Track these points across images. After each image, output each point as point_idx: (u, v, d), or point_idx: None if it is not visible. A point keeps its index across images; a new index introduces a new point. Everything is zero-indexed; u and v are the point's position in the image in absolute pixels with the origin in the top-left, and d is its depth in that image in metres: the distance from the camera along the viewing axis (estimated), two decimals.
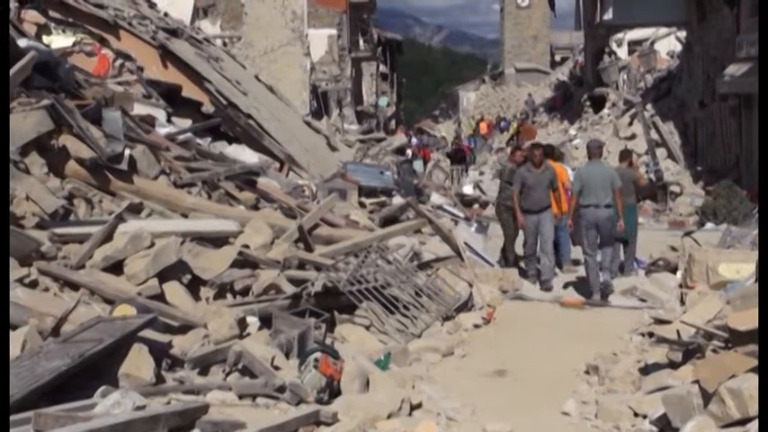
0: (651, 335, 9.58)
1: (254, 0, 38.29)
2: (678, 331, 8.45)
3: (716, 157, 28.13)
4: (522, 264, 14.44)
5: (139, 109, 15.33)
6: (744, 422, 5.72)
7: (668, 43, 39.87)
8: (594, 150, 13.75)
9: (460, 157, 39.13)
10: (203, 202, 11.92)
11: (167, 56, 19.09)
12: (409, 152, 33.77)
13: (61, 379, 6.45)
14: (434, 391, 8.07)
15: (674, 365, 8.07)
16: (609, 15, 41.46)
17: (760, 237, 7.89)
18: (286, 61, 37.76)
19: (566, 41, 75.55)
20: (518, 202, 13.63)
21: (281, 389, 7.22)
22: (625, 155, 15.70)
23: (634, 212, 14.85)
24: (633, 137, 32.35)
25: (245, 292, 9.76)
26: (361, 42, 57.54)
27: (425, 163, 36.30)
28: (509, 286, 12.82)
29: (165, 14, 24.33)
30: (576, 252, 14.20)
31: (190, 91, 18.85)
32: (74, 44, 17.47)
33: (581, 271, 13.59)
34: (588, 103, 43.35)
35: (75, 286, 8.67)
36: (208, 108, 18.75)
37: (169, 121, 16.46)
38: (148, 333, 7.76)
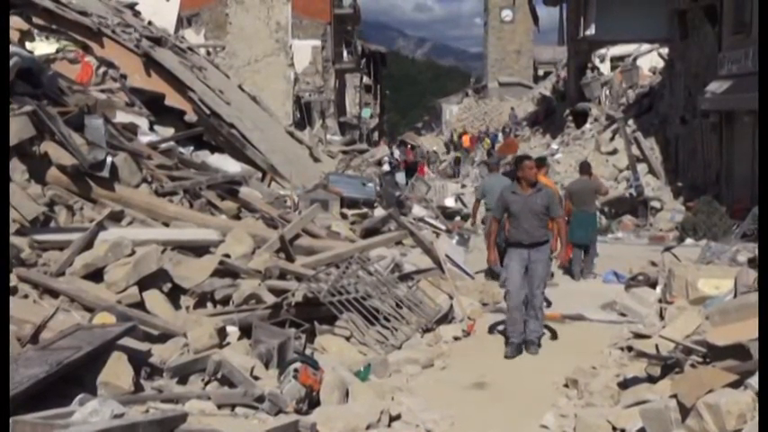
0: (630, 349, 9.59)
1: (239, 10, 38.30)
2: (657, 346, 8.49)
3: (696, 173, 28.26)
4: (504, 323, 10.70)
5: (122, 117, 15.29)
6: None
7: (650, 59, 40.06)
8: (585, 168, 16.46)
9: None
10: (185, 210, 11.89)
11: (151, 64, 19.06)
12: (386, 166, 33.71)
13: (39, 386, 6.42)
14: (414, 403, 8.06)
15: (652, 380, 8.09)
16: (592, 31, 41.69)
17: (760, 239, 7.93)
18: (270, 72, 37.76)
19: (549, 56, 75.82)
20: (495, 234, 10.77)
21: (261, 399, 7.21)
22: (585, 167, 16.97)
23: (595, 219, 16.64)
24: (615, 152, 32.47)
25: (226, 301, 9.75)
26: (345, 54, 57.69)
27: (409, 175, 36.28)
28: (489, 299, 12.83)
29: (149, 23, 24.29)
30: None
31: (173, 100, 18.82)
32: (57, 51, 17.40)
33: (560, 284, 13.63)
34: (570, 117, 43.49)
35: (54, 293, 8.64)
36: (191, 117, 18.72)
37: (152, 129, 16.42)
38: (128, 341, 7.74)
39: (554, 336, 10.83)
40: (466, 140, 57.22)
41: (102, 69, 18.05)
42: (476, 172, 43.52)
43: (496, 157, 22.49)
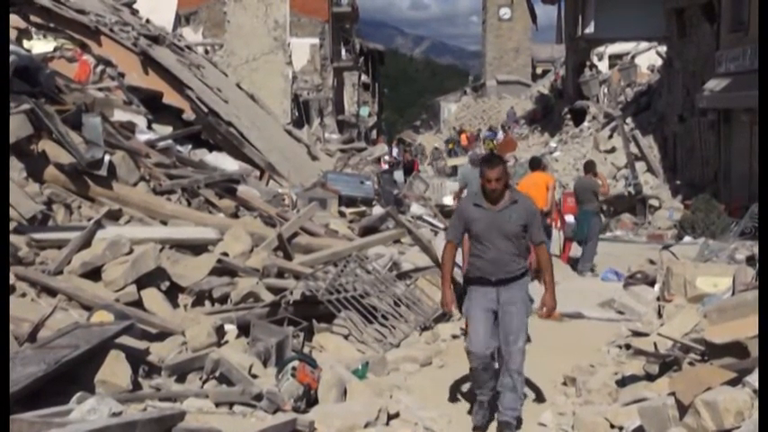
0: (628, 347, 9.61)
1: (237, 8, 38.27)
2: (655, 344, 8.50)
3: (694, 171, 28.29)
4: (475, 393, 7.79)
5: (120, 115, 15.28)
6: None
7: (649, 58, 40.07)
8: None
9: None
10: (183, 209, 11.88)
11: (148, 62, 19.04)
12: (385, 165, 33.71)
13: (37, 385, 6.41)
14: (412, 401, 8.06)
15: (650, 378, 8.10)
16: (590, 29, 41.79)
17: (760, 240, 7.93)
18: (268, 70, 37.73)
19: (547, 54, 75.85)
20: (450, 264, 7.63)
21: (258, 397, 7.21)
22: (587, 166, 17.37)
23: (592, 217, 16.61)
24: (613, 150, 32.51)
25: (224, 299, 9.74)
26: (343, 52, 57.68)
27: (408, 173, 36.29)
28: None
29: (147, 21, 24.28)
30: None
31: (171, 98, 18.80)
32: (55, 49, 17.40)
33: (559, 283, 13.60)
34: (569, 115, 43.53)
35: (52, 292, 8.63)
36: (188, 115, 18.70)
37: (149, 127, 16.41)
38: (125, 340, 7.73)
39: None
40: (464, 139, 57.20)
41: (100, 68, 18.04)
42: None
43: (476, 153, 22.67)
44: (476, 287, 7.42)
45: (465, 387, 8.60)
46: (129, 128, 14.48)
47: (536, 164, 16.55)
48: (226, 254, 10.48)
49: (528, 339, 7.79)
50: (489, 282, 7.33)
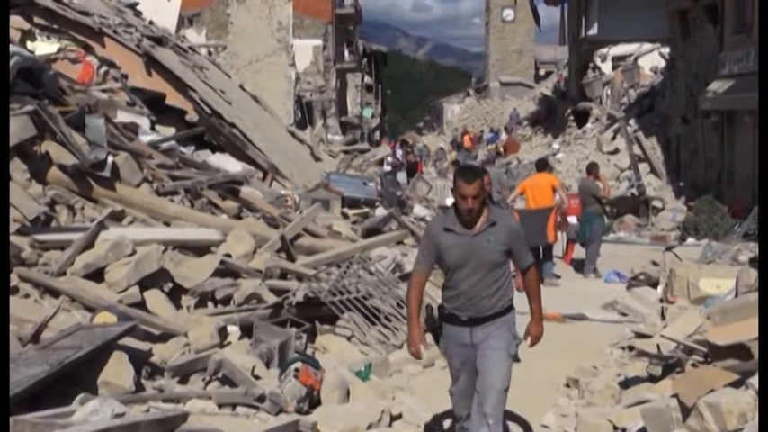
0: (631, 349, 9.60)
1: (240, 10, 38.31)
2: (658, 345, 8.49)
3: (698, 172, 28.25)
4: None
5: (123, 116, 15.28)
6: None
7: (652, 59, 40.01)
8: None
9: None
10: (186, 210, 11.88)
11: (152, 64, 19.04)
12: (387, 167, 33.68)
13: (40, 386, 6.42)
14: (414, 403, 8.06)
15: (653, 379, 8.10)
16: (593, 31, 41.74)
17: (760, 240, 7.93)
18: (271, 71, 37.75)
19: (550, 56, 75.78)
20: (418, 300, 6.33)
21: (261, 398, 7.21)
22: (588, 168, 17.62)
23: (595, 219, 16.61)
24: (616, 152, 32.46)
25: (227, 301, 9.74)
26: (346, 53, 57.68)
27: (411, 174, 36.29)
28: None
29: (151, 22, 24.28)
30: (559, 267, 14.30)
31: (174, 99, 18.81)
32: (58, 51, 17.40)
33: (562, 285, 13.64)
34: (572, 117, 43.48)
35: (55, 293, 8.64)
36: (192, 117, 18.71)
37: (153, 129, 16.41)
38: (128, 341, 7.74)
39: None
40: (467, 141, 57.17)
41: (104, 69, 18.05)
42: None
43: (464, 153, 22.58)
44: (449, 326, 6.25)
45: None
46: (133, 129, 14.48)
47: (542, 165, 16.56)
48: (229, 255, 10.48)
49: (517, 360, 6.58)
50: (461, 321, 6.13)
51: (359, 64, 60.53)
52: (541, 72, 78.28)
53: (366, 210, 18.37)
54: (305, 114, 41.52)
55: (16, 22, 16.62)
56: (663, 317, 10.83)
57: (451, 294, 6.18)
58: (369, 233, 14.96)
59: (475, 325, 6.12)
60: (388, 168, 31.86)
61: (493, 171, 21.73)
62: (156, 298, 9.10)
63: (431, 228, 6.47)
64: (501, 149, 48.55)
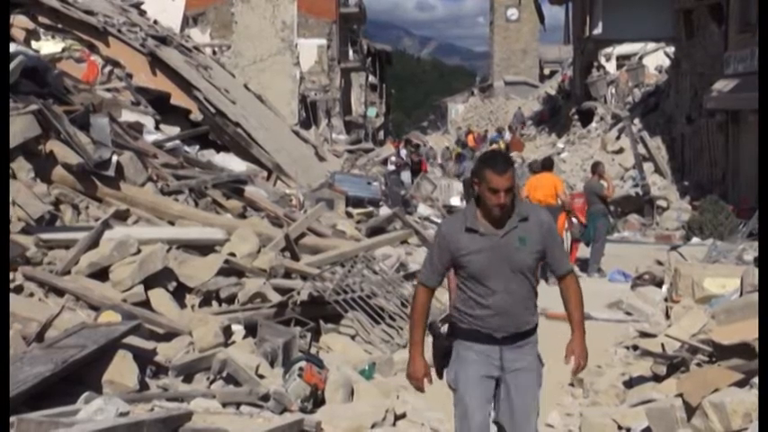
0: (636, 348, 9.60)
1: (245, 9, 38.25)
2: (663, 345, 8.50)
3: (703, 172, 28.23)
4: None
5: (127, 116, 15.31)
6: None
7: (656, 58, 39.99)
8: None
9: None
10: (190, 209, 11.89)
11: (156, 63, 19.05)
12: (391, 166, 33.66)
13: (45, 385, 6.42)
14: (419, 402, 8.05)
15: (658, 379, 8.10)
16: (598, 30, 41.70)
17: (760, 240, 7.93)
18: (275, 70, 37.68)
19: (554, 55, 75.73)
20: (423, 315, 5.37)
21: (265, 397, 7.21)
22: (592, 167, 17.71)
23: (599, 219, 16.61)
24: (621, 151, 32.44)
25: (231, 300, 9.74)
26: (350, 53, 57.71)
27: (415, 174, 36.27)
28: None
29: (155, 22, 24.29)
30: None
31: (178, 99, 18.82)
32: (63, 50, 17.43)
33: None
34: (576, 116, 43.44)
35: (60, 292, 8.65)
36: (196, 116, 18.72)
37: (157, 128, 16.43)
38: (133, 340, 7.74)
39: None
40: (471, 140, 57.16)
41: (108, 68, 18.08)
42: None
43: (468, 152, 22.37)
44: (469, 345, 5.16)
45: None
46: (137, 128, 14.51)
47: (548, 164, 16.63)
48: (233, 254, 10.48)
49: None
50: (492, 339, 5.10)
51: (363, 63, 60.52)
52: (546, 71, 78.25)
53: (370, 209, 18.37)
54: (309, 114, 41.50)
55: (21, 21, 16.66)
56: (667, 316, 10.82)
57: (475, 310, 5.09)
58: (373, 232, 14.96)
59: (507, 344, 5.10)
60: (392, 168, 31.85)
61: None
62: (160, 297, 9.10)
63: (445, 230, 5.20)
64: (504, 146, 48.49)
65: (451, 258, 5.09)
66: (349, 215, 17.07)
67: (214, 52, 36.38)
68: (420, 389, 5.37)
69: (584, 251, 16.94)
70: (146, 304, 8.88)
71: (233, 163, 16.82)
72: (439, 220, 19.88)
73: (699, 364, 7.50)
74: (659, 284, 13.05)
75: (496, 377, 5.14)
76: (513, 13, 79.27)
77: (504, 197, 4.91)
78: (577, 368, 5.32)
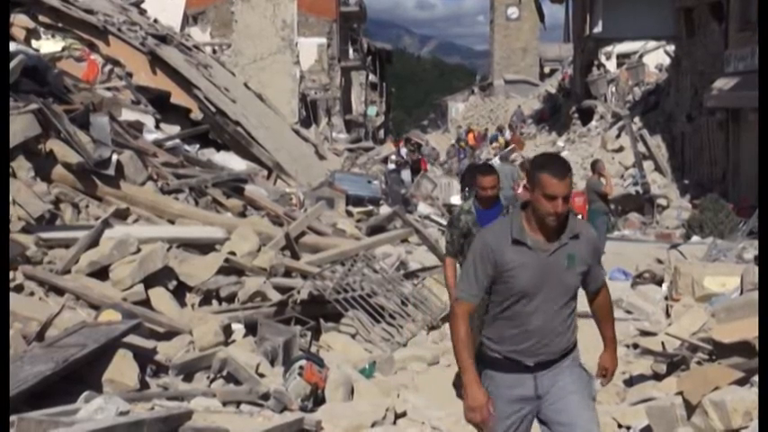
0: (636, 346, 9.59)
1: (245, 8, 38.25)
2: (663, 343, 8.49)
3: (703, 170, 28.24)
4: None
5: (128, 115, 15.30)
6: None
7: (657, 57, 39.99)
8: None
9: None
10: (190, 208, 11.89)
11: (156, 62, 19.05)
12: (392, 164, 33.68)
13: (45, 383, 6.42)
14: (419, 400, 8.05)
15: (658, 377, 8.10)
16: (598, 28, 41.69)
17: (760, 239, 7.93)
18: (275, 69, 37.69)
19: (555, 54, 75.72)
20: (472, 345, 4.57)
21: (266, 396, 7.22)
22: (593, 165, 17.51)
23: (599, 217, 16.40)
24: (621, 149, 32.44)
25: (231, 299, 9.75)
26: (350, 52, 57.70)
27: (415, 173, 36.28)
28: None
29: (155, 21, 24.29)
30: None
31: (178, 97, 18.81)
32: (63, 49, 17.42)
33: None
34: (576, 115, 43.45)
35: (60, 291, 8.65)
36: (196, 115, 18.72)
37: (157, 127, 16.43)
38: (133, 339, 7.75)
39: None
40: (471, 138, 57.15)
41: (108, 67, 18.07)
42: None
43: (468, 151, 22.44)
44: (497, 374, 4.62)
45: None
46: (137, 127, 14.51)
47: None
48: (233, 253, 10.48)
49: None
50: (524, 367, 4.56)
51: (363, 62, 60.51)
52: (546, 70, 78.21)
53: (370, 208, 18.37)
54: (309, 112, 41.51)
55: (21, 20, 16.64)
56: (668, 315, 10.82)
57: (511, 332, 4.55)
58: (373, 231, 14.95)
59: (541, 370, 4.57)
60: (392, 166, 31.87)
61: (505, 167, 21.67)
62: (160, 296, 9.10)
63: (488, 240, 4.57)
64: (504, 143, 48.47)
65: (494, 273, 4.51)
66: (349, 214, 17.07)
67: (214, 51, 36.39)
68: (485, 421, 4.52)
69: None
70: (146, 303, 8.89)
71: (233, 162, 16.81)
72: (439, 219, 19.89)
73: (699, 363, 7.50)
74: (659, 283, 13.04)
75: (530, 411, 4.61)
76: (513, 11, 79.22)
77: (562, 205, 4.36)
78: (609, 379, 5.10)
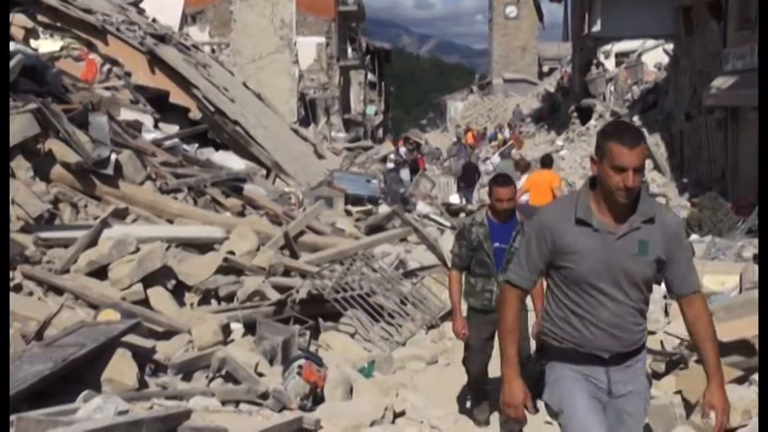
0: None
1: (243, 7, 38.26)
2: (662, 342, 8.49)
3: (702, 169, 28.25)
4: None
5: (126, 114, 15.30)
6: None
7: (655, 55, 40.04)
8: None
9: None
10: (189, 208, 11.89)
11: (155, 62, 19.04)
12: (391, 164, 33.69)
13: (44, 383, 6.42)
14: (418, 400, 8.06)
15: (657, 376, 8.09)
16: (597, 27, 41.74)
17: (760, 237, 7.93)
18: (274, 69, 37.71)
19: (553, 52, 75.86)
20: (516, 332, 4.31)
21: (265, 395, 7.21)
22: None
23: None
24: None
25: (230, 298, 9.74)
26: (349, 51, 57.75)
27: (413, 172, 36.29)
28: None
29: (154, 20, 24.29)
30: None
31: (177, 97, 18.81)
32: (61, 49, 17.42)
33: None
34: (575, 114, 43.49)
35: (59, 291, 8.65)
36: (195, 114, 18.71)
37: (156, 126, 16.42)
38: (132, 338, 7.74)
39: None
40: (470, 137, 57.16)
41: (107, 67, 18.07)
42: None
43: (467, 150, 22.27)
44: (569, 366, 4.20)
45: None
46: (136, 127, 14.50)
47: (547, 162, 16.61)
48: (232, 252, 10.48)
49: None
50: (598, 359, 4.14)
51: (362, 61, 60.56)
52: (545, 69, 78.38)
53: (369, 207, 18.36)
54: (308, 112, 41.54)
55: (20, 20, 16.64)
56: (666, 313, 10.81)
57: (583, 324, 4.11)
58: (372, 230, 14.94)
59: (614, 364, 4.16)
60: (391, 166, 31.86)
61: (505, 164, 21.69)
62: (159, 295, 9.10)
63: (546, 219, 4.13)
64: (503, 142, 48.48)
65: (551, 255, 4.09)
66: (348, 213, 17.06)
67: (213, 50, 36.39)
68: (520, 420, 4.29)
69: None
70: (145, 303, 8.88)
71: (232, 161, 16.80)
72: (438, 218, 19.88)
73: (698, 362, 7.49)
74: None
75: (604, 402, 4.18)
76: (512, 10, 79.37)
77: (633, 178, 3.86)
78: (720, 428, 4.06)
